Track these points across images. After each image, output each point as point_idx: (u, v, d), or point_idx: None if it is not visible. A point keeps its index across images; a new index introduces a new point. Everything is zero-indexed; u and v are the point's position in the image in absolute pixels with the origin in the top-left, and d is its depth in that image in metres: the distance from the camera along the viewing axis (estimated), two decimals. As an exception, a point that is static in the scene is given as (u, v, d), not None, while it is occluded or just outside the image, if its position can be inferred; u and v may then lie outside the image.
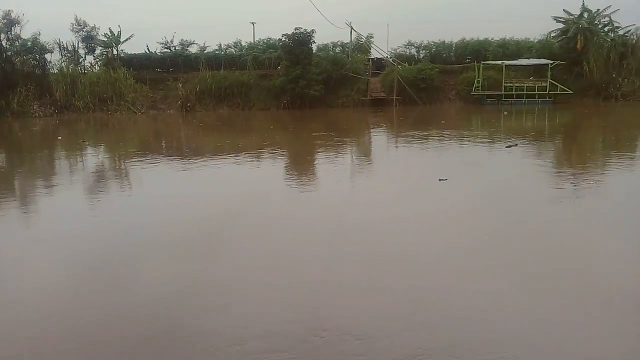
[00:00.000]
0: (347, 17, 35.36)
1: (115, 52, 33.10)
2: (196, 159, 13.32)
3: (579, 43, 29.30)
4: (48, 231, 7.19)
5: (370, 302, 4.54)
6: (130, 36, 33.02)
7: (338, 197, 8.72)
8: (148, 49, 34.28)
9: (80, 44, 33.08)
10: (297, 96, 29.08)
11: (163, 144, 18.69)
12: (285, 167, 12.60)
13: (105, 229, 7.10)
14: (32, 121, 27.32)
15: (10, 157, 16.14)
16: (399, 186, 9.52)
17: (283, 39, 29.91)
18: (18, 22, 30.82)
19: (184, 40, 34.60)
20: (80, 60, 33.29)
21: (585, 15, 30.44)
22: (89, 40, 33.08)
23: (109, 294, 4.87)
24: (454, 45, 34.54)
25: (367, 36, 34.46)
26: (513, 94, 29.04)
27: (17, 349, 3.96)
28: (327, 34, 40.19)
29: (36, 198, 9.64)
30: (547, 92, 28.63)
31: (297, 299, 4.71)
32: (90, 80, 30.63)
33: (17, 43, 31.05)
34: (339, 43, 35.01)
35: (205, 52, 33.83)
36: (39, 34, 31.35)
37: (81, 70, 32.36)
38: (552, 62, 28.68)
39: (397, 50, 34.90)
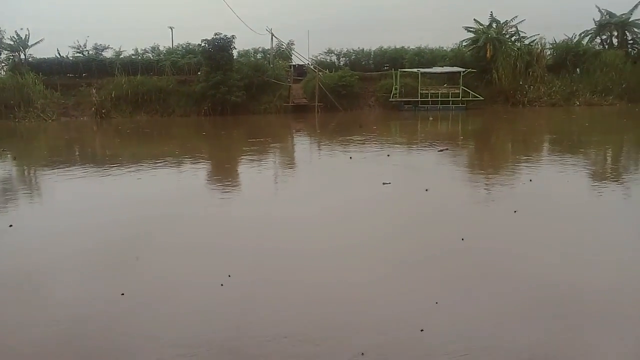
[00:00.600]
0: (265, 21, 35.43)
1: (22, 56, 31.45)
2: (111, 167, 12.74)
3: (488, 52, 31.00)
4: None
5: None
6: (40, 40, 31.52)
7: (262, 207, 8.43)
8: (59, 54, 32.67)
9: (-17, 48, 30.97)
10: (219, 102, 28.62)
11: (76, 152, 17.72)
12: (208, 176, 12.34)
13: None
14: None
15: None
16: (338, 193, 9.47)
17: (203, 44, 29.34)
18: None
19: (98, 44, 33.17)
20: (-16, 64, 31.20)
21: (494, 25, 32.34)
22: (-6, 43, 31.06)
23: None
24: (372, 53, 35.59)
25: (288, 43, 34.74)
26: (429, 100, 30.19)
27: None
28: (247, 40, 40.08)
29: None
30: (460, 99, 30.02)
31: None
32: (-5, 85, 28.69)
33: None
34: (260, 49, 35.06)
35: (121, 57, 32.64)
36: None
37: (-16, 75, 30.29)
38: (464, 70, 30.12)
39: (318, 57, 35.42)
